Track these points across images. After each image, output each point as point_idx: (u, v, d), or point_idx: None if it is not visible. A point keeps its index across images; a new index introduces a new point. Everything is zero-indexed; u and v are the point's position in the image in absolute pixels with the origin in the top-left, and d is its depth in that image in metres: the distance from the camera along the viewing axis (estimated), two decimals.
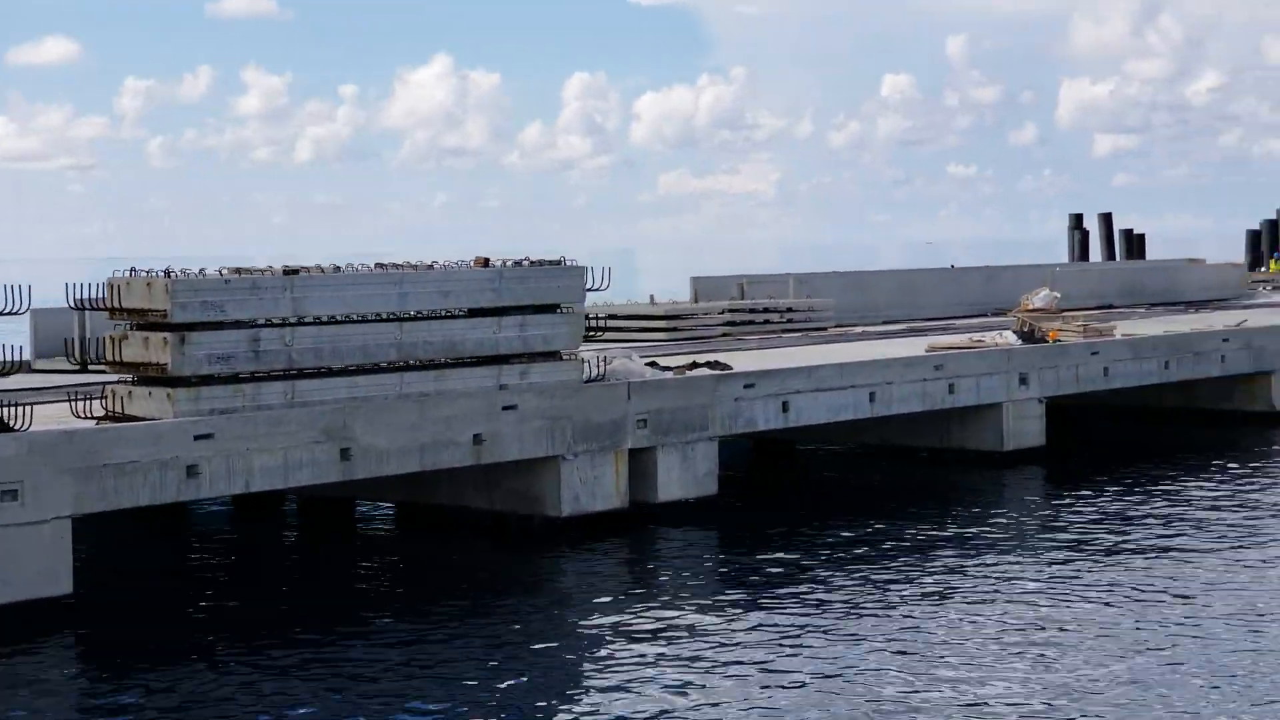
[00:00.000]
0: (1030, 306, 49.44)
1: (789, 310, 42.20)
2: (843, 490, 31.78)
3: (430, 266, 24.31)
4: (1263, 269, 78.60)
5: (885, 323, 44.98)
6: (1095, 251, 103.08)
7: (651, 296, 42.20)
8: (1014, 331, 36.07)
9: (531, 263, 25.30)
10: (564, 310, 25.44)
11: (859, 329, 41.93)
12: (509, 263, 25.09)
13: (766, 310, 42.19)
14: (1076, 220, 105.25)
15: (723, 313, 40.39)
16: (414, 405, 23.15)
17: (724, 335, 39.69)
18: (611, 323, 40.23)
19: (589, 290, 26.02)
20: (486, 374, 24.30)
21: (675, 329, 39.03)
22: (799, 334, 40.43)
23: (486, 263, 24.86)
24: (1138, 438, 37.84)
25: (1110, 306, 52.02)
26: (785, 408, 28.10)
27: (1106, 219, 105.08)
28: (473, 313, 24.46)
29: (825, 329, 42.30)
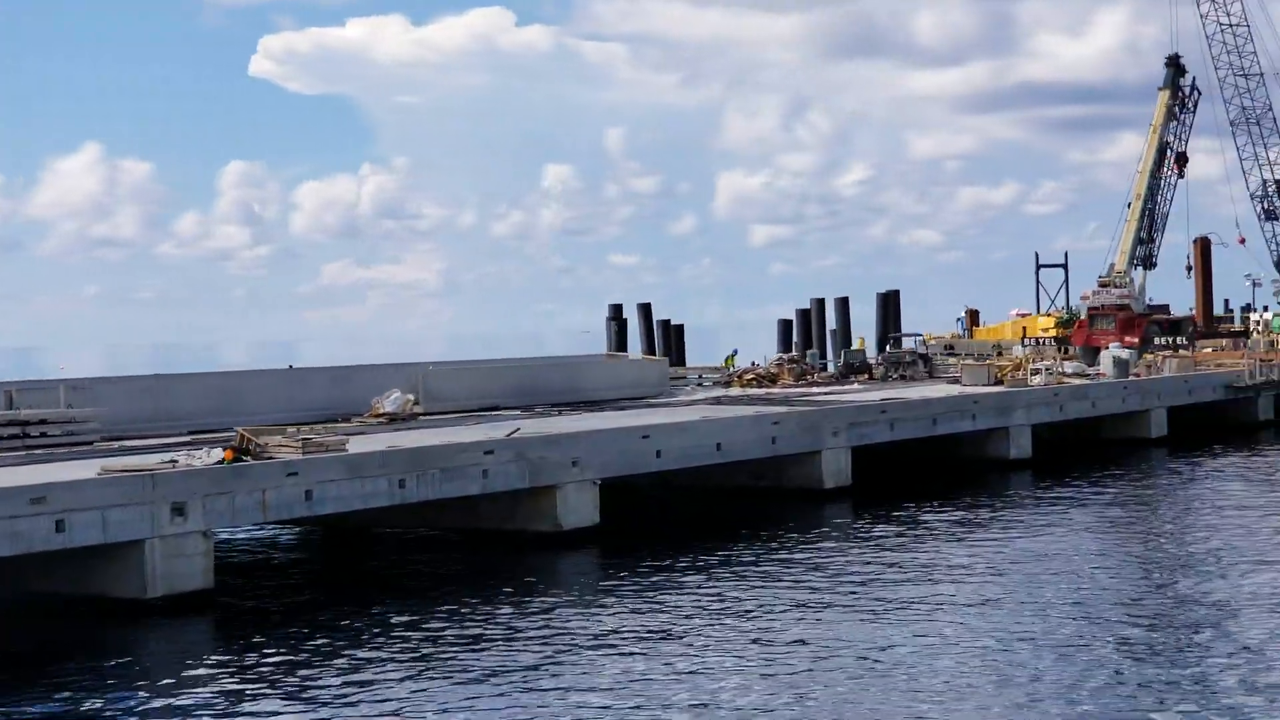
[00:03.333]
0: (381, 410, 44.97)
1: (42, 423, 36.39)
2: None
3: None
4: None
5: (192, 433, 39.58)
6: (634, 342, 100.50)
7: None
8: (233, 447, 30.98)
9: None
10: None
11: (116, 444, 36.28)
12: None
13: (24, 424, 36.38)
14: (615, 311, 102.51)
15: None
16: None
17: None
18: None
19: None
20: None
21: None
22: (30, 452, 34.62)
23: None
24: (372, 569, 33.06)
25: (495, 408, 47.79)
26: None
27: (646, 310, 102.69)
28: None
29: (91, 443, 36.65)
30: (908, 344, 69.28)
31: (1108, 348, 60.72)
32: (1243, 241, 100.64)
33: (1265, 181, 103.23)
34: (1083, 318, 75.59)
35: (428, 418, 44.55)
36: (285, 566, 33.86)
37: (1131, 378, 56.77)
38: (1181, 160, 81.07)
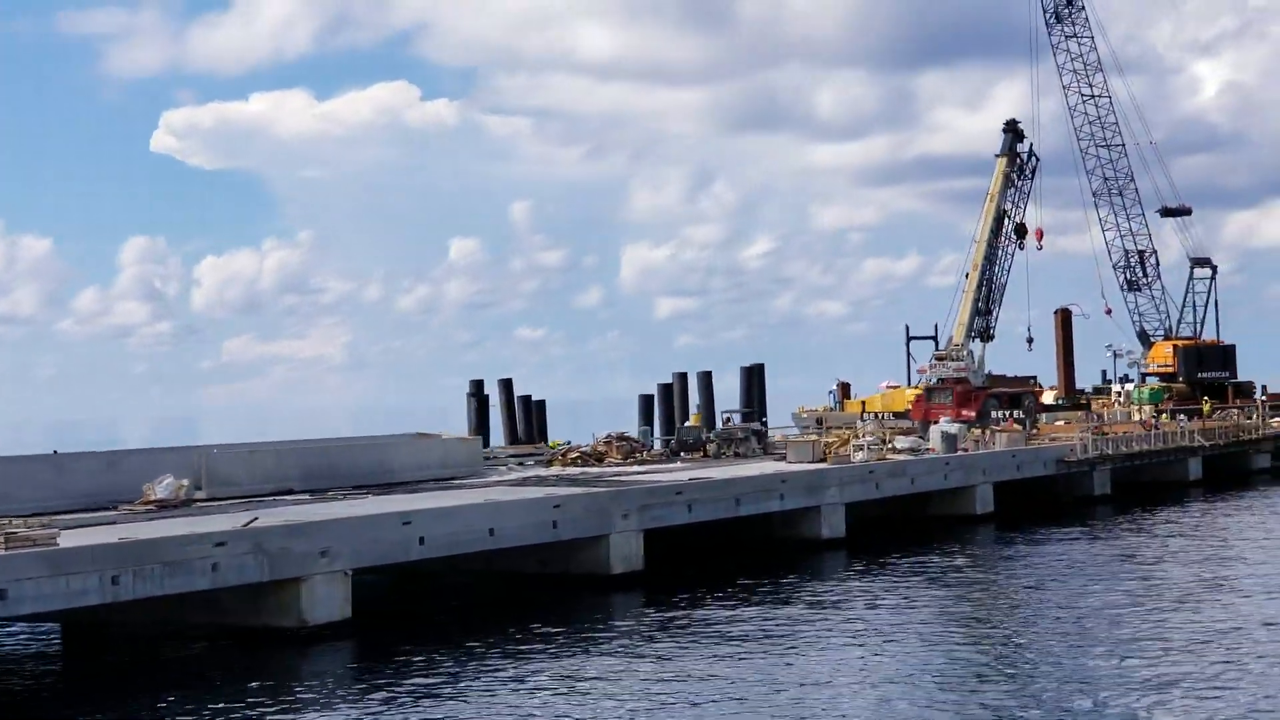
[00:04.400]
0: (152, 496, 42.86)
1: None
2: None
3: None
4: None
5: None
6: (495, 419, 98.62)
7: None
8: None
9: None
10: None
11: None
12: None
13: None
14: (476, 387, 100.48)
15: None
16: None
17: None
18: None
19: None
20: None
21: None
22: None
23: None
24: (83, 671, 30.87)
25: (288, 492, 45.81)
26: None
27: (507, 385, 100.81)
28: None
29: None
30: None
31: (938, 422, 59.74)
32: (1109, 312, 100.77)
33: (1128, 252, 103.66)
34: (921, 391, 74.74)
35: (207, 504, 42.50)
36: None
37: (960, 452, 55.67)
38: (1021, 230, 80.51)
